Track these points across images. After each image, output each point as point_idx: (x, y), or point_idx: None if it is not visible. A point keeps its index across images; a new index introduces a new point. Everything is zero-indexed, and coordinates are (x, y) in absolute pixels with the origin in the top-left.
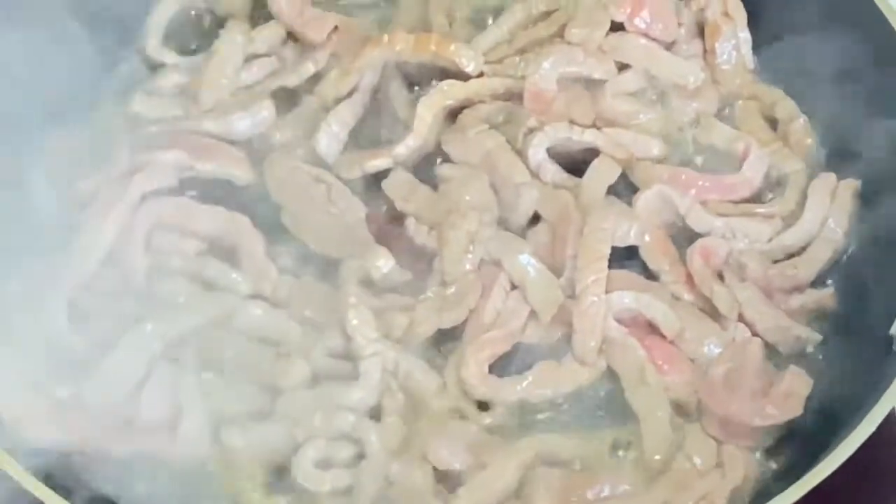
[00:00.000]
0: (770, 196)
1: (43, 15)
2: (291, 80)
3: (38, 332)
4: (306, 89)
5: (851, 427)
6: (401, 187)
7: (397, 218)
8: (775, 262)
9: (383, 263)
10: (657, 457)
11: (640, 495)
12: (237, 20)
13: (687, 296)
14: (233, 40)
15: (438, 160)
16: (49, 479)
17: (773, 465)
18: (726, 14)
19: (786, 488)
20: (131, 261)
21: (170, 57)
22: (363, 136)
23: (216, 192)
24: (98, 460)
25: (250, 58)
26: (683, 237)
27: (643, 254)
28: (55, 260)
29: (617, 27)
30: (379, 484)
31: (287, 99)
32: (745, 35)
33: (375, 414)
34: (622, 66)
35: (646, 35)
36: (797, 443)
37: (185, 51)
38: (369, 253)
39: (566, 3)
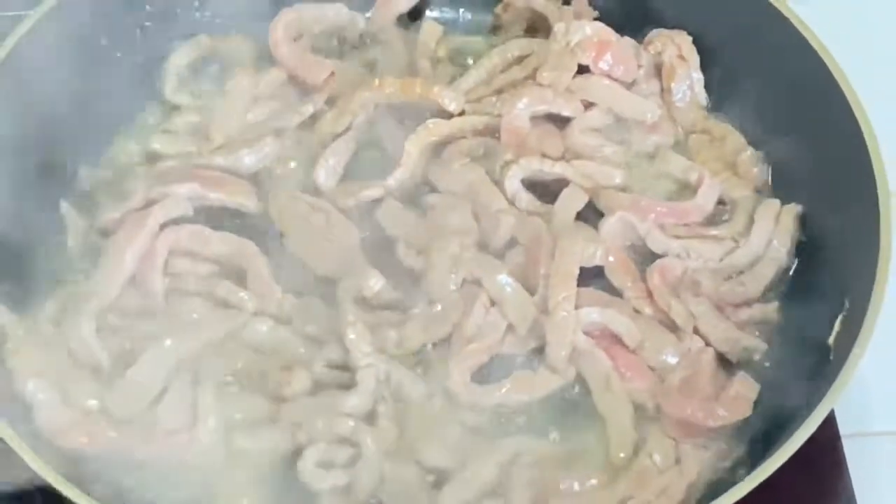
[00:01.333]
0: (724, 218)
1: (77, 63)
2: (293, 120)
3: (70, 349)
4: (306, 127)
5: (795, 427)
6: (392, 215)
7: (388, 242)
8: (726, 279)
9: (374, 283)
10: (621, 454)
11: (605, 489)
12: (244, 66)
13: (647, 310)
14: (240, 84)
15: (426, 189)
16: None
17: (726, 463)
18: (681, 57)
19: (736, 483)
20: (151, 283)
21: (185, 99)
22: (357, 169)
23: (226, 220)
24: (118, 464)
25: (256, 100)
26: (644, 257)
27: (608, 273)
28: (84, 283)
29: (583, 69)
30: (374, 482)
31: (289, 136)
32: (697, 76)
33: (370, 418)
34: (588, 105)
35: (609, 76)
36: (746, 442)
37: (197, 94)
38: (362, 274)
39: (538, 49)
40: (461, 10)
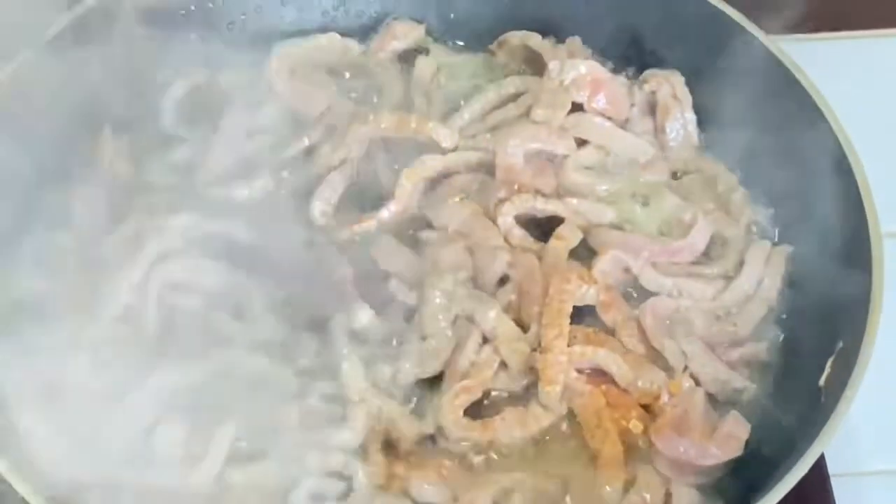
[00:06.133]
0: (714, 256)
1: (74, 96)
2: (288, 153)
3: (64, 381)
4: (301, 160)
5: (786, 469)
6: (386, 250)
7: (382, 276)
8: (717, 318)
9: (363, 316)
10: (611, 490)
11: None
12: (240, 99)
13: (639, 348)
14: (236, 117)
15: (420, 225)
16: None
17: (718, 501)
18: (675, 97)
19: None
20: (144, 315)
21: (181, 131)
22: (352, 202)
23: (219, 252)
24: (111, 494)
25: (251, 132)
26: (636, 294)
27: (600, 311)
28: (78, 315)
29: (577, 108)
30: None
31: (284, 169)
32: (690, 116)
33: (363, 452)
34: (581, 142)
35: (602, 115)
36: (737, 481)
37: (194, 127)
38: (353, 307)
39: (533, 86)
40: (456, 46)
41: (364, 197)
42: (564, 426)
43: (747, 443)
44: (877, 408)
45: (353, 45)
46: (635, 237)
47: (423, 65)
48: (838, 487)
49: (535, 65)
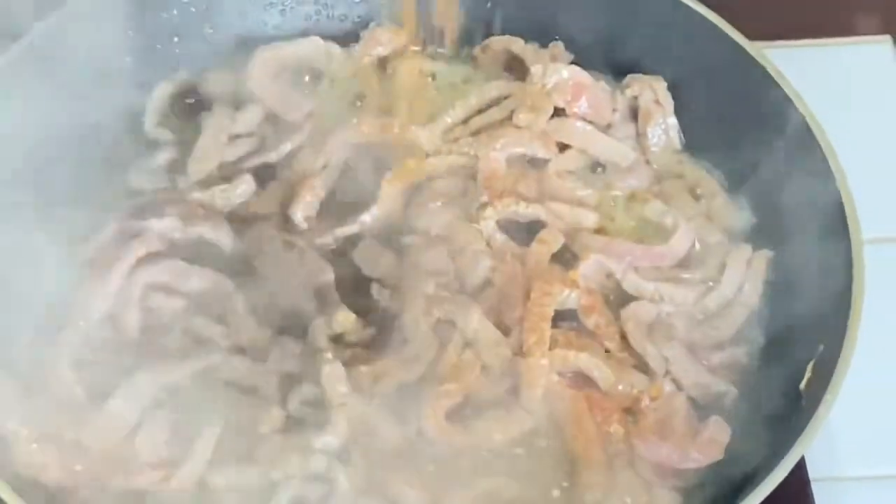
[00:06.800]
0: (695, 261)
1: (57, 98)
2: (271, 157)
3: (46, 384)
4: (284, 165)
5: (766, 472)
6: (368, 254)
7: (364, 281)
8: (699, 322)
9: (344, 319)
10: (593, 496)
11: None
12: (222, 103)
13: (620, 353)
14: (218, 121)
15: (403, 229)
16: None
17: None
18: (657, 102)
19: None
20: (127, 318)
21: (164, 135)
22: (334, 206)
23: (200, 256)
24: (94, 497)
25: (234, 137)
26: (618, 298)
27: (581, 315)
28: (60, 318)
29: (559, 112)
30: None
31: (267, 173)
32: (672, 121)
33: (344, 456)
34: (563, 147)
35: (584, 119)
36: (718, 485)
37: (176, 129)
38: (333, 311)
39: (515, 91)
40: (439, 51)
41: (346, 202)
42: (546, 430)
43: (728, 446)
44: (857, 413)
45: (336, 50)
46: (618, 242)
47: (406, 70)
48: (819, 492)
49: (517, 70)
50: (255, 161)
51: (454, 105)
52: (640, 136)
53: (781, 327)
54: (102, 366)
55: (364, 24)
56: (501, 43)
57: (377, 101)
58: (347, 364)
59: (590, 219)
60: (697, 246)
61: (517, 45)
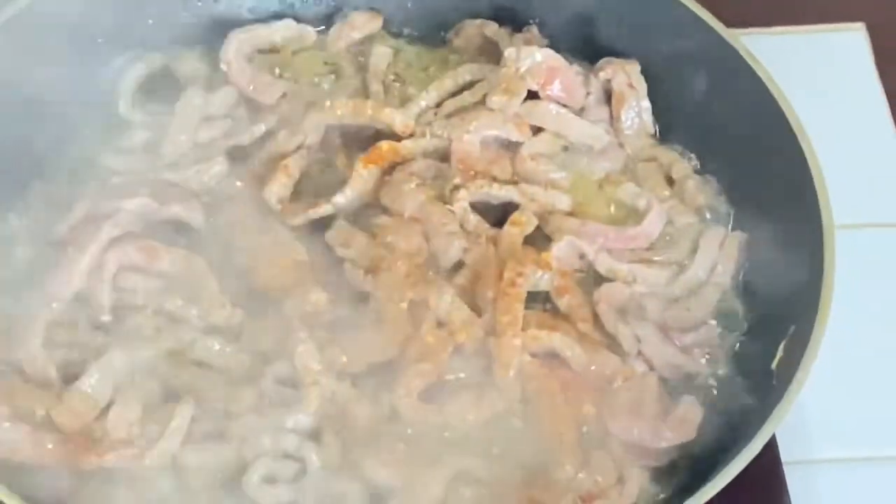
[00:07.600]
0: (667, 241)
1: (29, 77)
2: (244, 139)
3: (18, 363)
4: (257, 146)
5: (737, 451)
6: (341, 235)
7: (337, 262)
8: (671, 303)
9: (316, 299)
10: (564, 474)
11: None
12: (196, 85)
13: (592, 334)
14: (191, 103)
15: (376, 211)
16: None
17: (670, 483)
18: (630, 85)
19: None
20: (100, 297)
21: (137, 116)
22: (307, 188)
23: (173, 236)
24: (65, 477)
25: (207, 118)
26: (591, 280)
27: (554, 296)
28: (32, 297)
29: (532, 95)
30: (319, 498)
31: (240, 154)
32: (645, 104)
33: (315, 435)
34: (537, 130)
35: (557, 102)
36: (690, 464)
37: (150, 111)
38: (307, 292)
39: (488, 74)
40: (414, 34)
41: (320, 183)
42: (518, 410)
43: (700, 426)
44: (828, 396)
45: (310, 32)
46: (591, 224)
47: (380, 53)
48: (791, 475)
49: (491, 53)
50: (229, 142)
51: (428, 88)
52: (613, 120)
53: (754, 309)
54: (75, 345)
55: (339, 7)
56: (475, 27)
57: (351, 84)
58: (320, 343)
59: (563, 201)
60: (670, 228)
61: (491, 28)
